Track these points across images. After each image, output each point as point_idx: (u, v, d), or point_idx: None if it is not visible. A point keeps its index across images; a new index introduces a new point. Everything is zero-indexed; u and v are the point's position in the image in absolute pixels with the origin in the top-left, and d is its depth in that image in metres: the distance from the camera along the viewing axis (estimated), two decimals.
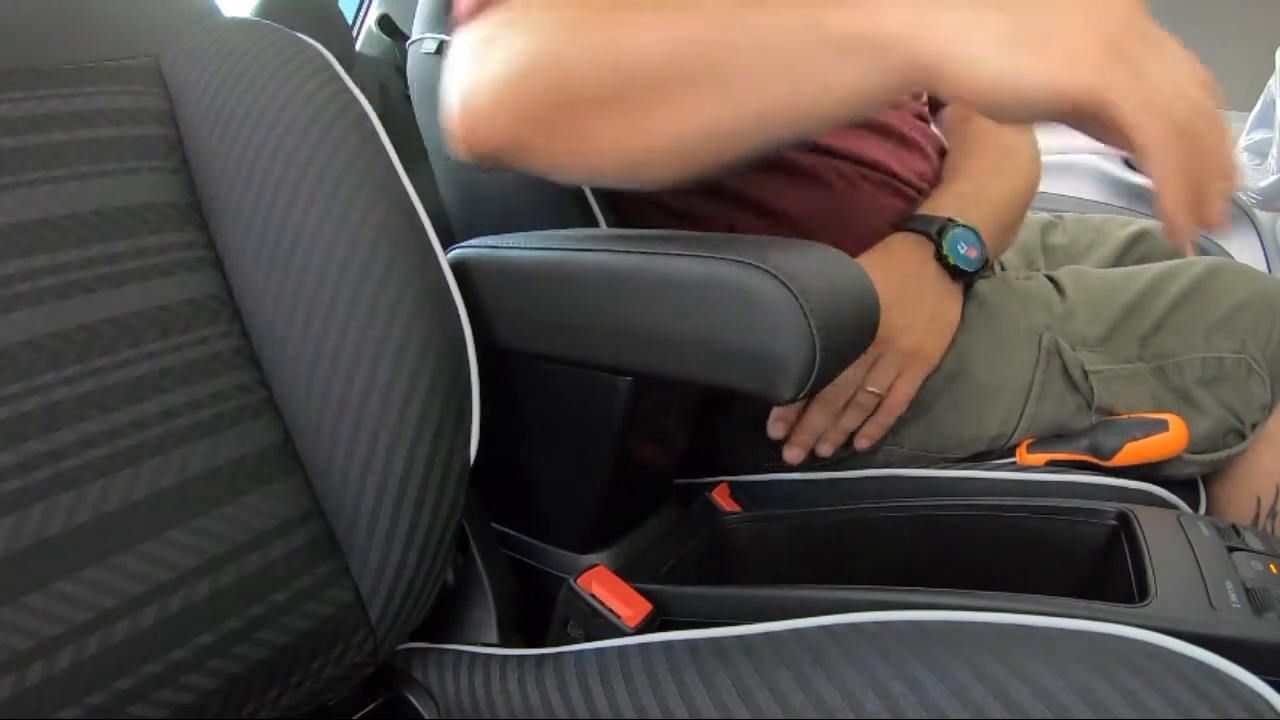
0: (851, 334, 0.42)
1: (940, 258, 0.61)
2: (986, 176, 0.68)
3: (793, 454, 0.61)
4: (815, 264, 0.41)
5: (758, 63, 0.36)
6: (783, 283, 0.37)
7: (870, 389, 0.59)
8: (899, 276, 0.60)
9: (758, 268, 0.38)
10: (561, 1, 0.40)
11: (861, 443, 0.62)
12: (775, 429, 0.60)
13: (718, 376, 0.41)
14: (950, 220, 0.61)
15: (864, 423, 0.61)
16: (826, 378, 0.39)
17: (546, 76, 0.39)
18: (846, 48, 0.34)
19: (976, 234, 0.61)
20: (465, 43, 0.44)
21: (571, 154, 0.41)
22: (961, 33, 0.32)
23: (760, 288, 0.38)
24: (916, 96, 0.75)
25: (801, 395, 0.39)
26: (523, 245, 0.48)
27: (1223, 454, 0.58)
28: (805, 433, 0.61)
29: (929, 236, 0.61)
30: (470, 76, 0.42)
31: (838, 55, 0.35)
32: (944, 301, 0.61)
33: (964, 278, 0.62)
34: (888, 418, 0.61)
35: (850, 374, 0.59)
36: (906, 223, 0.63)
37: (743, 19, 0.35)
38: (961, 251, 0.61)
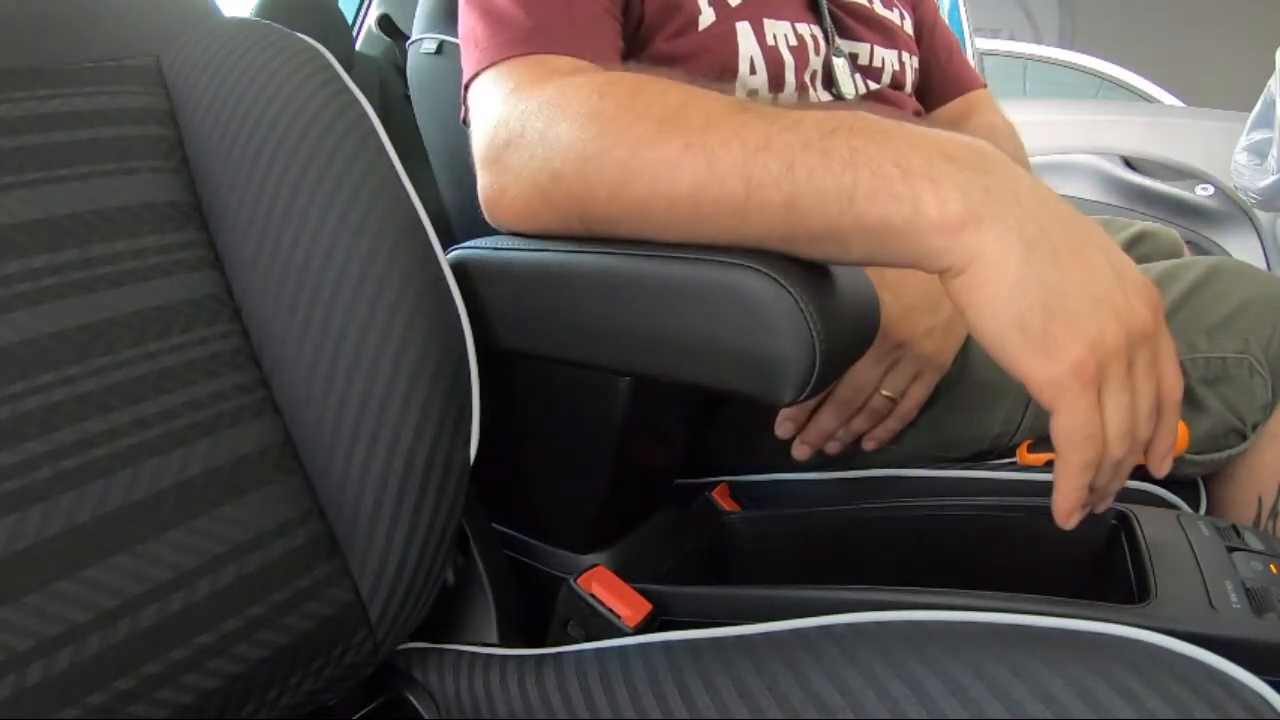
0: (852, 336, 0.42)
1: None
2: None
3: (801, 451, 0.61)
4: (816, 267, 0.41)
5: (783, 222, 0.37)
6: (782, 285, 0.37)
7: (885, 393, 0.59)
8: (916, 281, 0.58)
9: (757, 270, 0.38)
10: (599, 101, 0.42)
11: (868, 444, 0.61)
12: (783, 429, 0.60)
13: (717, 379, 0.41)
14: None
15: (874, 426, 0.61)
16: (826, 381, 0.39)
17: (572, 190, 0.42)
18: (872, 233, 0.35)
19: None
20: (498, 94, 0.48)
21: (585, 234, 0.44)
22: (986, 283, 0.34)
23: (760, 290, 0.37)
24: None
25: (801, 398, 0.38)
26: (523, 246, 0.48)
27: (1224, 454, 0.58)
28: (815, 433, 0.61)
29: None
30: (502, 160, 0.46)
31: (862, 236, 0.36)
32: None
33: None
34: (897, 424, 0.60)
35: (867, 375, 0.58)
36: None
37: (769, 170, 0.36)
38: None
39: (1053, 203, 0.36)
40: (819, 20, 0.69)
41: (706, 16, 0.63)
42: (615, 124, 0.41)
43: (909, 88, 0.77)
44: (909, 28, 0.79)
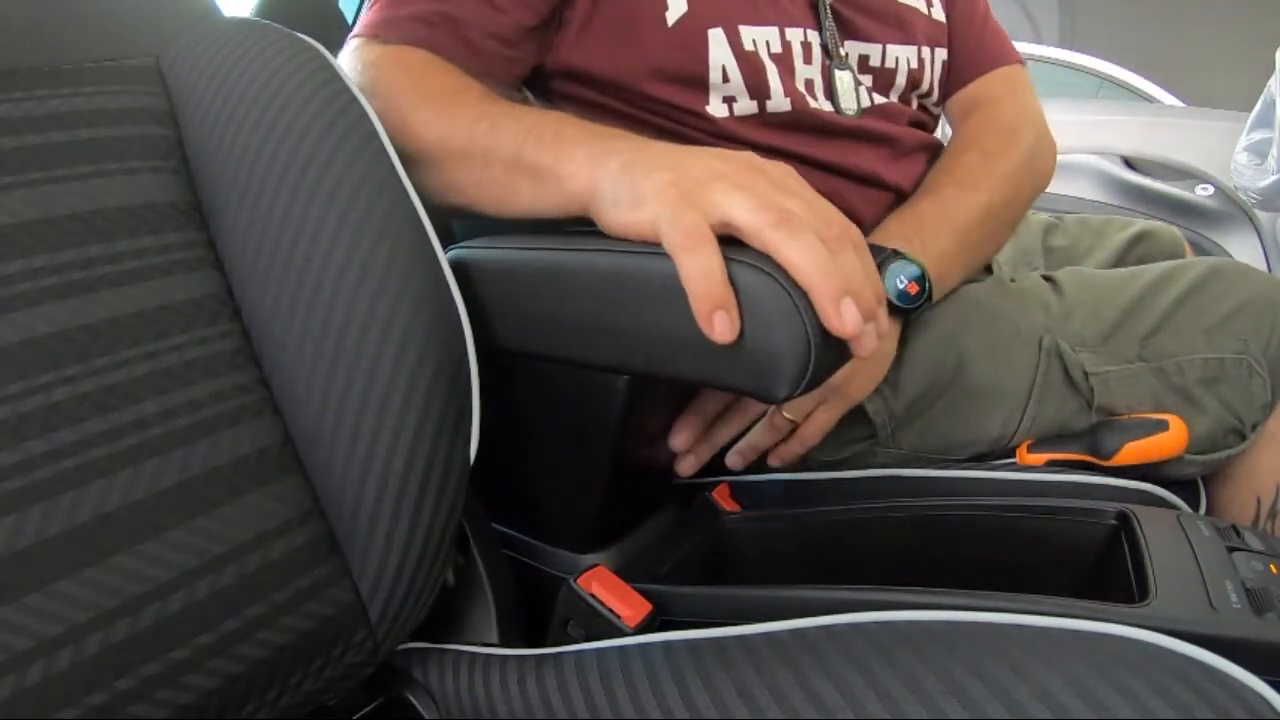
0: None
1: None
2: (955, 189, 0.65)
3: (686, 465, 0.58)
4: None
5: (485, 165, 0.50)
6: (780, 283, 0.37)
7: (786, 415, 0.58)
8: None
9: (756, 268, 0.38)
10: (405, 68, 0.55)
11: (773, 460, 0.61)
12: (679, 439, 0.56)
13: (712, 376, 0.41)
14: (895, 252, 0.59)
15: (777, 444, 0.60)
16: (821, 377, 0.39)
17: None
18: (533, 175, 0.48)
19: (920, 268, 0.58)
20: (348, 56, 0.58)
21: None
22: (594, 193, 0.44)
23: (757, 287, 0.38)
24: (920, 95, 0.74)
25: (796, 394, 0.39)
26: (519, 245, 0.48)
27: (1223, 454, 0.58)
28: (707, 446, 0.58)
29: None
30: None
31: (527, 177, 0.48)
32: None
33: (900, 314, 0.59)
34: (800, 447, 0.60)
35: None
36: None
37: (481, 132, 0.50)
38: (900, 286, 0.57)
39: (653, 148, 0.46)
40: (818, 24, 0.65)
41: (675, 10, 0.60)
42: (422, 98, 0.53)
43: (928, 84, 0.72)
44: (938, 14, 0.73)
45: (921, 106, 0.73)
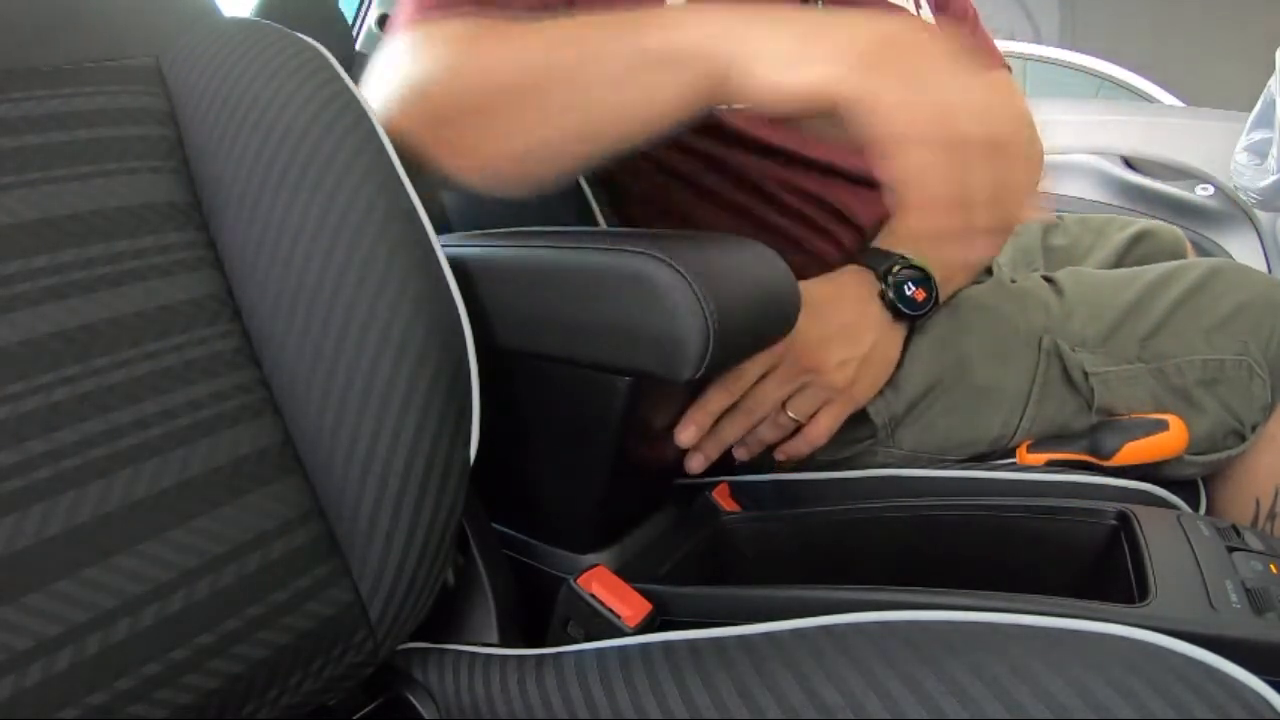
0: (752, 317, 0.45)
1: (885, 297, 0.59)
2: None
3: (695, 462, 0.60)
4: (714, 253, 0.45)
5: (591, 76, 0.42)
6: (679, 271, 0.41)
7: (791, 414, 0.59)
8: (842, 311, 0.59)
9: (654, 257, 0.42)
10: (453, 32, 0.47)
11: (779, 455, 0.61)
12: (686, 434, 0.57)
13: (627, 360, 0.44)
14: (902, 258, 0.60)
15: (782, 440, 0.61)
16: (723, 359, 0.42)
17: (427, 99, 0.46)
18: (661, 61, 0.40)
19: (927, 274, 0.60)
20: (385, 53, 0.50)
21: (455, 164, 0.47)
22: (746, 49, 0.38)
23: (656, 274, 0.42)
24: None
25: (699, 374, 0.42)
26: (474, 244, 0.50)
27: (1223, 455, 0.58)
28: (714, 443, 0.60)
29: (877, 274, 0.60)
30: (383, 92, 0.48)
31: (654, 68, 0.40)
32: (884, 341, 0.60)
33: (907, 319, 0.61)
34: (805, 447, 0.60)
35: (770, 391, 0.58)
36: (860, 255, 0.63)
37: (577, 37, 0.42)
38: (908, 294, 0.59)
39: (795, 9, 0.41)
40: None
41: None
42: (466, 37, 0.46)
43: None
44: (926, 14, 0.75)
45: None
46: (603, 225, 0.67)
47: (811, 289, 0.60)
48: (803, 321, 0.58)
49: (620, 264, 0.43)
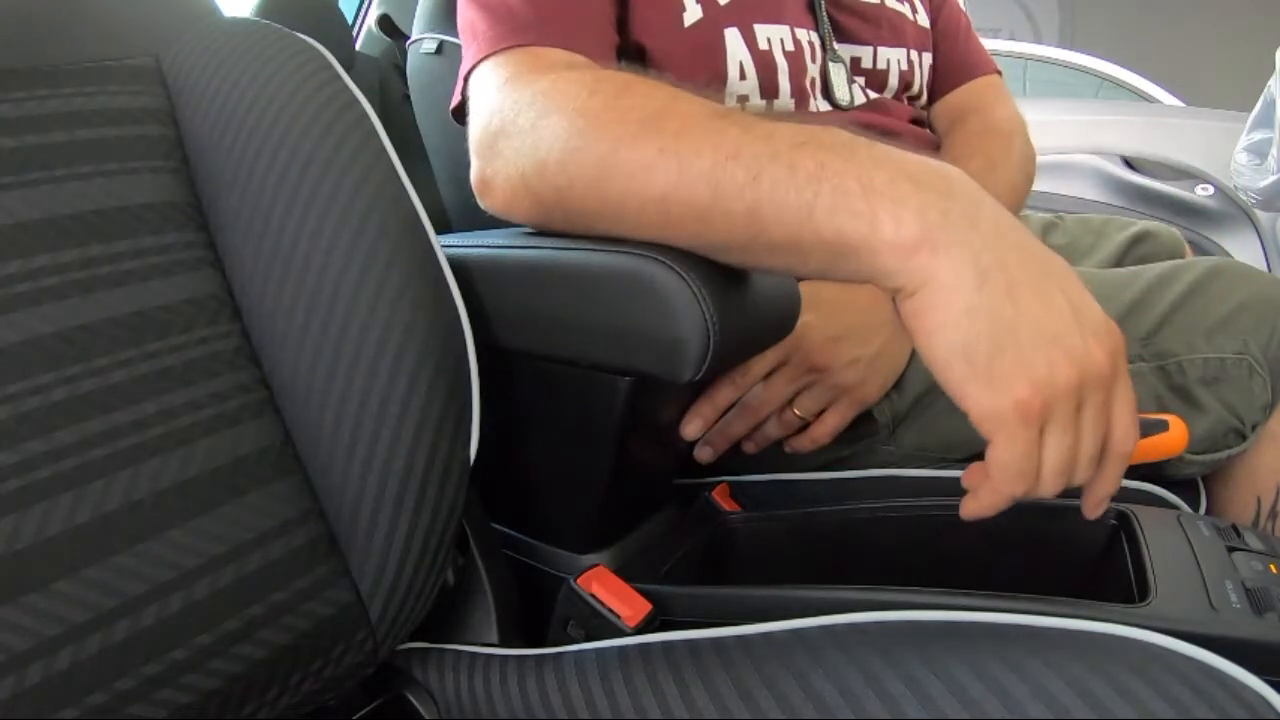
0: (753, 319, 0.46)
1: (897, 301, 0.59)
2: None
3: (704, 453, 0.60)
4: (721, 264, 0.44)
5: (742, 230, 0.38)
6: (680, 274, 0.41)
7: (797, 412, 0.59)
8: (853, 310, 0.59)
9: (654, 258, 0.41)
10: (589, 98, 0.43)
11: (786, 448, 0.61)
12: (692, 427, 0.57)
13: (627, 361, 0.44)
14: None
15: (788, 436, 0.61)
16: (724, 361, 0.42)
17: (554, 182, 0.44)
18: (829, 246, 0.36)
19: None
20: (494, 84, 0.48)
21: (548, 224, 0.47)
22: (938, 307, 0.33)
23: (657, 275, 0.41)
24: (910, 98, 0.75)
25: (699, 375, 0.42)
26: (474, 244, 0.50)
27: (1223, 454, 0.58)
28: (721, 436, 0.60)
29: None
30: (495, 147, 0.47)
31: (820, 247, 0.36)
32: (894, 343, 0.60)
33: None
34: (809, 444, 0.60)
35: (777, 389, 0.58)
36: None
37: (736, 179, 0.37)
38: None
39: (1014, 233, 0.35)
40: (816, 24, 0.67)
41: (692, 13, 0.61)
42: (600, 121, 0.42)
43: (918, 87, 0.74)
44: (923, 20, 0.76)
45: (912, 107, 0.74)
46: None
47: (823, 288, 0.60)
48: (812, 320, 0.58)
49: (620, 265, 0.43)
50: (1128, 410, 0.36)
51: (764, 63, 0.63)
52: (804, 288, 0.59)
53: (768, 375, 0.58)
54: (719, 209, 0.38)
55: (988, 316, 0.33)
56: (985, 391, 0.33)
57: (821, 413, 0.59)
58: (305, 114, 0.43)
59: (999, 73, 0.82)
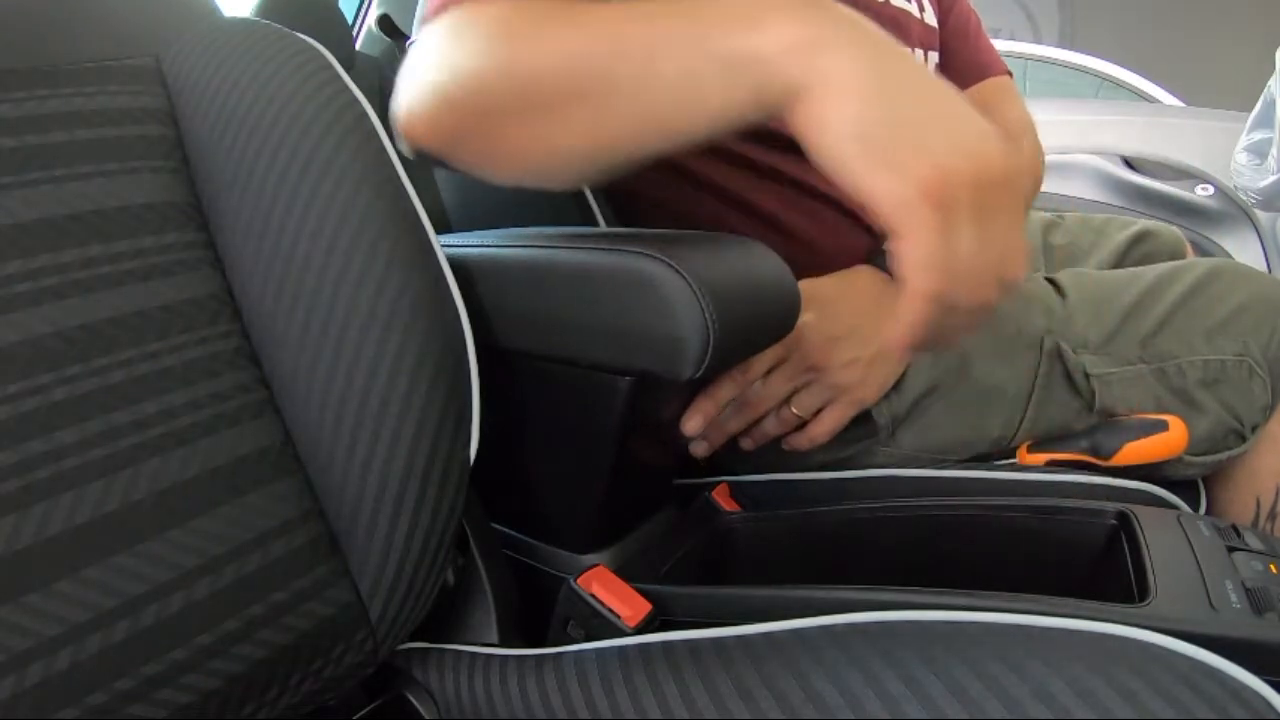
0: (752, 317, 0.46)
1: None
2: None
3: (699, 448, 0.60)
4: (713, 253, 0.45)
5: (643, 76, 0.37)
6: (677, 270, 0.41)
7: (795, 410, 0.59)
8: (853, 311, 0.59)
9: (653, 257, 0.42)
10: (492, 17, 0.42)
11: (785, 445, 0.61)
12: (692, 423, 0.57)
13: (626, 360, 0.45)
14: None
15: (785, 433, 0.61)
16: (725, 359, 0.42)
17: (466, 92, 0.42)
18: (727, 66, 0.36)
19: None
20: (422, 43, 0.46)
21: (487, 159, 0.43)
22: (833, 98, 0.33)
23: (656, 274, 0.42)
24: None
25: (699, 373, 0.42)
26: (474, 244, 0.51)
27: (1223, 455, 0.58)
28: (719, 432, 0.60)
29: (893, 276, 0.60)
30: (415, 82, 0.44)
31: (718, 73, 0.36)
32: None
33: None
34: (806, 442, 0.60)
35: (774, 387, 0.58)
36: (875, 256, 0.62)
37: (631, 33, 0.38)
38: None
39: (900, 48, 0.35)
40: None
41: None
42: (510, 24, 0.41)
43: None
44: (931, 19, 0.74)
45: None
46: (599, 219, 0.67)
47: (823, 287, 0.61)
48: (812, 319, 0.58)
49: (620, 264, 0.43)
50: (1019, 234, 0.36)
51: None
52: (804, 287, 0.59)
53: (767, 373, 0.58)
54: (619, 60, 0.38)
55: (884, 103, 0.33)
56: (887, 176, 0.32)
57: (819, 412, 0.60)
58: (305, 114, 0.43)
59: (1010, 73, 0.80)
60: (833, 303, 0.59)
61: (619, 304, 0.43)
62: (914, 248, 0.32)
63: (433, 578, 0.43)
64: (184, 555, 0.36)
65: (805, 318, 0.55)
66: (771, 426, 0.61)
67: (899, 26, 0.70)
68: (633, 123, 0.39)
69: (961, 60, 0.78)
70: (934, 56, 0.74)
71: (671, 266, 0.41)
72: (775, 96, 0.35)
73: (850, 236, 0.65)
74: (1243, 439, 0.58)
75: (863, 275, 0.61)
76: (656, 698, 0.37)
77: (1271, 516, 0.58)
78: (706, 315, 0.41)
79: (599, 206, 0.67)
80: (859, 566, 0.57)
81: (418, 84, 0.44)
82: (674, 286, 0.41)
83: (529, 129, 0.41)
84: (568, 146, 0.41)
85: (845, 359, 0.58)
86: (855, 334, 0.58)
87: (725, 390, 0.58)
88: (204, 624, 0.36)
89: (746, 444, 0.62)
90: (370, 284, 0.41)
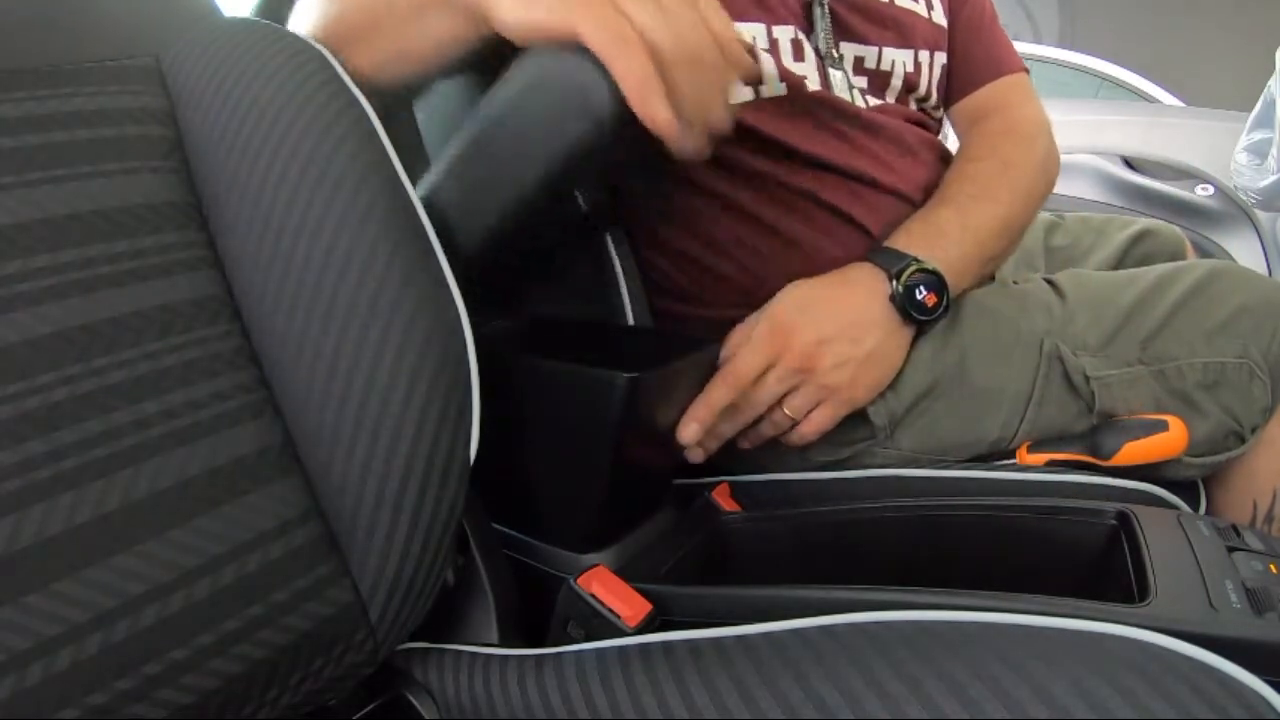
0: None
1: (895, 299, 0.59)
2: (975, 201, 0.65)
3: (695, 454, 0.61)
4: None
5: (397, 15, 0.49)
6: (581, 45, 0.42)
7: (786, 411, 0.60)
8: (847, 310, 0.59)
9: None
10: None
11: (781, 443, 0.62)
12: (687, 432, 0.58)
13: (561, 143, 0.45)
14: (915, 260, 0.60)
15: (779, 434, 0.62)
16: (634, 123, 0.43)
17: (321, 28, 0.52)
18: (438, 6, 0.47)
19: (940, 278, 0.59)
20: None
21: (359, 66, 0.51)
22: None
23: (545, 61, 0.44)
24: (919, 100, 0.74)
25: (620, 128, 0.42)
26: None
27: (1222, 457, 0.58)
28: (713, 438, 0.61)
29: (889, 275, 0.60)
30: (304, 21, 0.55)
31: (434, 11, 0.47)
32: (888, 343, 0.60)
33: (915, 323, 0.60)
34: (798, 441, 0.61)
35: (770, 390, 0.59)
36: (872, 254, 0.62)
37: None
38: (919, 297, 0.59)
39: None
40: (810, 26, 0.65)
41: None
42: None
43: (925, 88, 0.72)
44: (939, 17, 0.73)
45: (922, 110, 0.73)
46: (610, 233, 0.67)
47: (815, 288, 0.60)
48: (801, 321, 0.58)
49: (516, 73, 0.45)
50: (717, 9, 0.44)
51: None
52: (795, 289, 0.60)
53: (760, 376, 0.59)
54: (385, 5, 0.50)
55: None
56: (546, 12, 0.42)
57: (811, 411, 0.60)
58: (305, 114, 0.44)
59: (1026, 70, 0.78)
60: (826, 303, 0.59)
61: (533, 100, 0.45)
62: (590, 35, 0.40)
63: (433, 578, 0.43)
64: (184, 555, 0.36)
65: (797, 319, 0.57)
66: (766, 428, 0.61)
67: (903, 29, 0.70)
68: (407, 44, 0.50)
69: (975, 57, 0.77)
70: (940, 57, 0.73)
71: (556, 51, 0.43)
72: (477, 13, 0.45)
73: (850, 245, 0.65)
74: (1242, 441, 0.58)
75: (861, 273, 0.61)
76: (656, 698, 0.37)
77: (1269, 520, 0.58)
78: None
79: (613, 234, 0.67)
80: (859, 566, 0.57)
81: (306, 22, 0.55)
82: (556, 56, 0.43)
83: (361, 52, 0.50)
84: (384, 60, 0.51)
85: (835, 360, 0.58)
86: (847, 334, 0.58)
87: (719, 395, 0.58)
88: (204, 624, 0.36)
89: (744, 444, 0.62)
90: (370, 284, 0.41)
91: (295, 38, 0.47)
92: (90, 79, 0.43)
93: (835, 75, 0.65)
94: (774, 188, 0.64)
